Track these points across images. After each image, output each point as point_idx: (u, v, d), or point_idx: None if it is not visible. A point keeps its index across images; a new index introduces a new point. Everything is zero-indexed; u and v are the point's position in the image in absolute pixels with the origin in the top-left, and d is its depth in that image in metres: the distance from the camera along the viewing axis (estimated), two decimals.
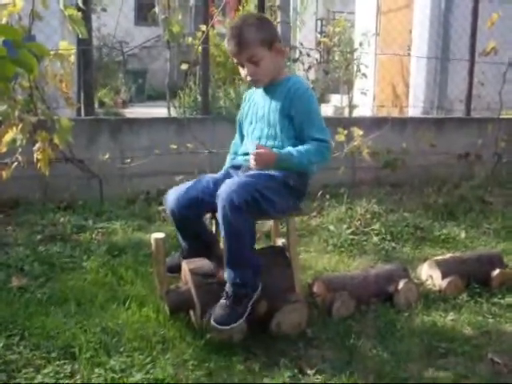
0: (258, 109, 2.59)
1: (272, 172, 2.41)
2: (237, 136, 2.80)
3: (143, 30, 16.09)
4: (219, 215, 2.27)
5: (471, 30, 6.00)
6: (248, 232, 2.31)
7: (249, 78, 2.50)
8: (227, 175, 2.56)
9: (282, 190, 2.42)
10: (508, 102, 5.51)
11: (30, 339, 2.33)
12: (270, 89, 2.56)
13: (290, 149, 2.41)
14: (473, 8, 5.98)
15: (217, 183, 2.43)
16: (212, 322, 2.26)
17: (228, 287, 2.32)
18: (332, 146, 2.58)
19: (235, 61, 2.53)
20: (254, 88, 2.68)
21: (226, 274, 2.33)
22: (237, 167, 2.60)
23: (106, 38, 14.77)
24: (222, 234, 2.30)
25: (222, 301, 2.30)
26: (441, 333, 2.53)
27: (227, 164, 2.78)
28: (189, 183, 2.53)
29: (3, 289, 2.83)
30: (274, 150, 2.41)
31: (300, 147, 2.41)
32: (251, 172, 2.41)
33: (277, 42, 2.52)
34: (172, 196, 2.49)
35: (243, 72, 2.51)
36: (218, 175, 2.58)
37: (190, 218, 2.47)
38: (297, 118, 2.47)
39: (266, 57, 2.46)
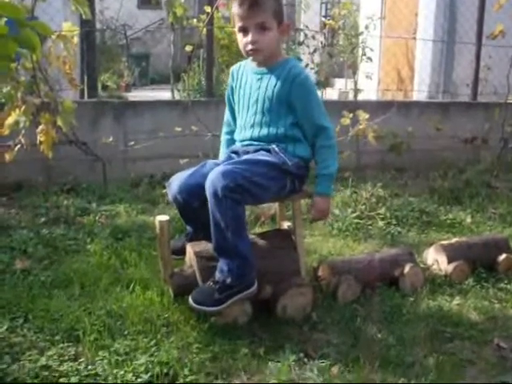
0: (251, 91, 2.50)
1: (266, 158, 2.38)
2: (228, 114, 2.71)
3: (147, 12, 16.04)
4: (208, 202, 2.25)
5: (478, 13, 5.93)
6: (233, 221, 2.25)
7: (250, 47, 2.38)
8: (228, 160, 2.50)
9: (274, 174, 2.37)
10: None
11: (34, 322, 2.33)
12: (265, 70, 2.47)
13: (324, 172, 2.47)
14: None
15: None
16: (189, 298, 2.28)
17: (216, 273, 2.31)
18: (333, 128, 2.54)
19: (240, 24, 2.37)
20: (243, 64, 2.58)
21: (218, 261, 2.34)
22: (235, 152, 2.56)
23: (109, 21, 14.71)
24: None
25: (208, 283, 2.30)
26: (446, 317, 2.52)
27: (223, 146, 2.74)
28: (191, 170, 2.48)
29: (7, 271, 2.82)
30: (320, 189, 2.50)
31: (322, 156, 2.47)
32: (243, 157, 2.40)
33: (285, 21, 2.46)
34: (174, 183, 2.46)
35: (244, 40, 2.38)
36: (219, 161, 2.54)
37: (193, 204, 2.44)
38: (298, 105, 2.43)
39: (273, 29, 2.38)
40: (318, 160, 2.50)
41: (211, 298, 2.26)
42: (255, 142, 2.48)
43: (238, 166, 2.29)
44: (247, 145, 2.51)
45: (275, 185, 2.40)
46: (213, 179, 2.23)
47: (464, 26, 7.15)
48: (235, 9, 2.38)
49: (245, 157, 2.43)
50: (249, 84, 2.52)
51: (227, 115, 2.72)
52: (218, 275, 2.29)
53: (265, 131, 2.46)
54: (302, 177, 2.52)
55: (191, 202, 2.43)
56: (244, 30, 2.38)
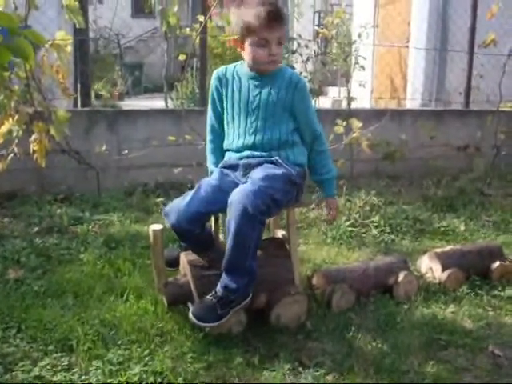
0: (248, 97, 2.47)
1: (278, 170, 2.37)
2: (212, 119, 2.64)
3: (140, 22, 16.04)
4: (230, 224, 2.21)
5: (471, 22, 5.96)
6: (256, 241, 2.27)
7: (271, 58, 2.39)
8: (223, 177, 2.46)
9: (287, 188, 2.39)
10: (507, 95, 5.48)
11: (27, 332, 2.31)
12: (264, 77, 2.46)
13: (328, 177, 2.61)
14: (472, 2, 5.94)
15: (215, 189, 2.38)
16: (190, 314, 2.24)
17: (219, 289, 2.27)
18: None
19: (262, 37, 2.35)
20: (230, 68, 2.55)
21: (222, 277, 2.29)
22: (232, 166, 2.50)
23: (102, 30, 14.71)
24: (228, 239, 2.24)
25: (208, 297, 2.27)
26: (441, 325, 2.52)
27: (210, 155, 2.68)
28: (187, 197, 2.38)
29: (0, 281, 2.80)
30: (329, 192, 2.67)
31: (322, 161, 2.58)
32: (258, 173, 2.33)
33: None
34: (173, 214, 2.38)
35: (263, 52, 2.38)
36: (214, 180, 2.44)
37: (194, 231, 2.40)
38: (300, 111, 2.48)
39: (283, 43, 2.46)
40: (317, 165, 2.59)
41: (213, 314, 2.23)
42: (256, 153, 2.46)
43: (262, 183, 2.25)
44: (247, 157, 2.47)
45: (287, 198, 2.41)
46: (241, 198, 2.20)
47: (456, 34, 7.19)
48: (254, 22, 2.35)
49: (259, 172, 2.35)
50: (245, 89, 2.49)
51: (211, 120, 2.65)
52: (221, 291, 2.26)
53: (267, 137, 2.45)
54: (302, 186, 2.54)
55: (192, 229, 2.38)
56: (265, 43, 2.38)
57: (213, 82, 2.58)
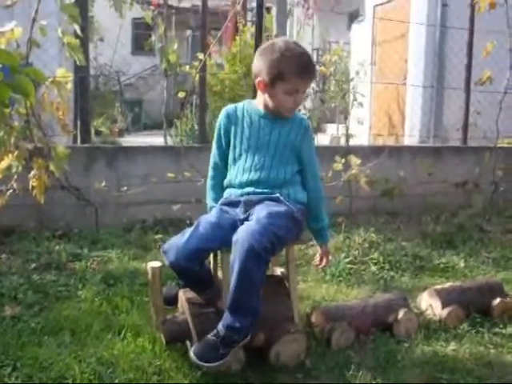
0: (259, 134, 2.49)
1: (281, 208, 2.38)
2: (216, 157, 2.64)
3: (140, 59, 16.24)
4: (235, 262, 2.19)
5: (467, 60, 6.03)
6: (261, 280, 2.25)
7: (294, 106, 2.49)
8: (222, 214, 2.45)
9: (290, 225, 2.39)
10: (504, 131, 5.52)
11: (23, 370, 2.28)
12: (276, 117, 2.50)
13: (321, 226, 2.64)
14: (468, 40, 6.02)
15: (214, 226, 2.37)
16: (191, 353, 2.20)
17: (221, 328, 2.23)
18: None
19: (296, 88, 2.42)
20: (240, 107, 2.58)
21: (224, 316, 2.26)
22: (232, 203, 2.49)
23: (102, 67, 14.88)
24: (232, 278, 2.21)
25: (210, 337, 2.23)
26: (442, 363, 2.49)
27: (210, 191, 2.68)
28: (186, 234, 2.37)
29: None
30: (322, 240, 2.69)
31: (318, 207, 2.60)
32: (261, 211, 2.33)
33: None
34: (172, 251, 2.35)
35: (290, 99, 2.44)
36: (213, 217, 2.43)
37: (193, 269, 2.37)
38: (305, 155, 2.55)
39: None
40: (315, 211, 2.60)
41: (215, 354, 2.19)
42: (258, 190, 2.46)
43: (266, 221, 2.25)
44: (248, 193, 2.47)
45: (291, 236, 2.41)
46: (247, 237, 2.18)
47: (453, 72, 7.28)
48: (292, 71, 2.39)
49: (262, 209, 2.34)
50: (255, 126, 2.51)
51: (215, 157, 2.65)
52: (224, 331, 2.22)
53: (273, 174, 2.47)
54: (303, 224, 2.54)
55: (191, 267, 2.36)
56: (293, 93, 2.43)
57: (221, 119, 2.59)
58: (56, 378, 2.23)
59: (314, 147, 2.62)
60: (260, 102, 2.53)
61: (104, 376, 2.25)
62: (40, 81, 1.86)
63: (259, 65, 2.47)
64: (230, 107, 2.61)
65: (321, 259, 2.71)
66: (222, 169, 2.63)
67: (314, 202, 2.58)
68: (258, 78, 2.46)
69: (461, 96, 6.17)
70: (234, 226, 2.35)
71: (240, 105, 2.60)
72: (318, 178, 2.62)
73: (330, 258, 2.79)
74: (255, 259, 2.18)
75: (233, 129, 2.56)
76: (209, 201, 2.69)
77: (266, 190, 2.46)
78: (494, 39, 5.17)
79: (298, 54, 2.41)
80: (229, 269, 2.27)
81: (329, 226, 2.67)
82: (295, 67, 2.39)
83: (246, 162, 2.51)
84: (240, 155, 2.53)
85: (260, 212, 2.32)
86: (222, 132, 2.59)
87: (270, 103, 2.47)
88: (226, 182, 2.59)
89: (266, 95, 2.47)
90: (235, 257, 2.20)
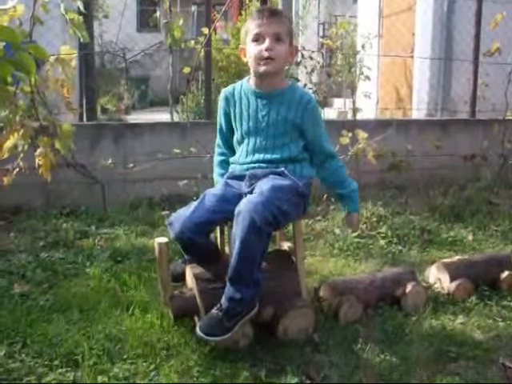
0: (257, 116, 2.46)
1: (286, 182, 2.37)
2: (220, 137, 2.66)
3: (145, 36, 16.17)
4: (236, 234, 2.19)
5: (475, 31, 5.95)
6: (262, 253, 2.25)
7: (265, 54, 2.36)
8: (227, 187, 2.46)
9: (295, 199, 2.38)
10: None
11: (32, 347, 2.30)
12: (273, 95, 2.46)
13: (349, 191, 2.61)
14: (476, 9, 5.94)
15: (219, 199, 2.38)
16: (197, 329, 2.20)
17: (224, 301, 2.24)
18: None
19: (256, 31, 2.37)
20: (237, 87, 2.55)
21: (226, 288, 2.26)
22: (238, 177, 2.50)
23: (108, 44, 14.82)
24: (233, 249, 2.21)
25: (214, 311, 2.23)
26: (450, 337, 2.49)
27: (217, 167, 2.69)
28: (191, 206, 2.39)
29: (5, 296, 2.79)
30: (356, 207, 2.65)
31: (339, 176, 2.59)
32: (265, 184, 2.32)
33: (294, 44, 2.52)
34: (176, 223, 2.37)
35: (258, 47, 2.38)
36: (219, 190, 2.45)
37: (198, 241, 2.39)
38: (309, 131, 2.48)
39: (285, 44, 2.41)
40: (336, 182, 2.59)
41: (221, 327, 2.19)
42: (263, 165, 2.45)
43: (270, 195, 2.24)
44: (254, 167, 2.46)
45: (295, 210, 2.39)
46: (249, 209, 2.17)
47: (461, 43, 7.19)
48: (251, 20, 2.42)
49: (266, 183, 2.34)
50: (253, 108, 2.48)
51: (219, 138, 2.67)
52: (226, 303, 2.22)
53: (277, 156, 2.44)
54: (309, 198, 2.53)
55: (196, 239, 2.37)
56: (259, 39, 2.38)
57: (220, 103, 2.59)
58: (65, 354, 2.24)
59: (321, 122, 2.55)
60: (251, 80, 2.51)
61: (113, 352, 2.26)
62: (42, 57, 1.85)
63: (241, 39, 2.52)
64: (227, 89, 2.59)
65: (355, 228, 2.81)
66: (226, 147, 2.65)
67: (331, 174, 2.57)
68: (240, 48, 2.51)
69: (469, 68, 6.10)
70: (239, 198, 2.35)
71: (238, 85, 2.57)
72: (330, 153, 2.54)
73: (356, 227, 2.82)
74: (256, 232, 2.17)
75: (232, 111, 2.55)
76: (215, 176, 2.71)
77: (271, 165, 2.44)
78: (503, 10, 5.10)
79: (259, 7, 2.48)
80: (231, 240, 2.27)
81: (353, 192, 2.62)
82: (253, 15, 2.46)
83: (248, 145, 2.50)
84: (242, 138, 2.52)
85: (263, 185, 2.31)
86: (222, 115, 2.60)
87: (251, 67, 2.45)
88: (232, 159, 2.60)
89: (247, 61, 2.47)
90: (236, 229, 2.20)
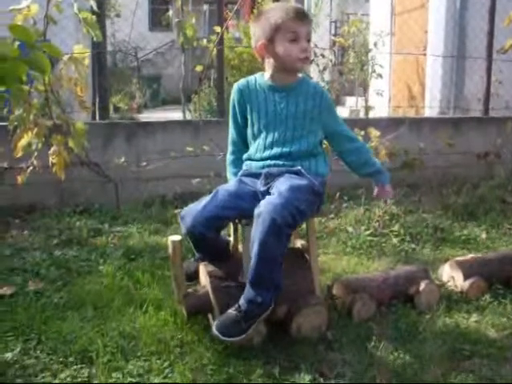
0: (275, 109, 2.46)
1: (303, 181, 2.36)
2: (233, 134, 2.64)
3: (157, 35, 16.21)
4: (256, 235, 2.18)
5: (489, 28, 5.91)
6: (282, 254, 2.24)
7: (304, 55, 2.41)
8: (242, 184, 2.45)
9: (312, 198, 2.38)
10: None
11: (47, 343, 2.31)
12: (289, 88, 2.47)
13: (376, 162, 2.67)
14: (490, 6, 5.90)
15: (232, 195, 2.37)
16: (213, 328, 2.20)
17: (243, 302, 2.23)
18: None
19: (294, 30, 2.37)
20: (251, 80, 2.54)
21: (246, 290, 2.25)
22: (253, 175, 2.49)
23: (120, 43, 14.87)
24: (253, 251, 2.19)
25: (232, 312, 2.22)
26: (464, 335, 2.48)
27: (230, 166, 2.68)
28: (203, 201, 2.38)
29: (20, 293, 2.82)
30: (386, 177, 2.69)
31: (364, 155, 2.62)
32: (283, 184, 2.31)
33: None
34: (188, 217, 2.37)
35: (294, 47, 2.38)
36: (232, 187, 2.44)
37: (209, 236, 2.38)
38: (327, 119, 2.51)
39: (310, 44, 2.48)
40: (363, 160, 2.63)
41: (237, 328, 2.19)
42: (280, 162, 2.45)
43: (288, 195, 2.23)
44: (269, 165, 2.46)
45: (311, 209, 2.39)
46: (270, 210, 2.16)
47: (474, 41, 7.15)
48: (286, 18, 2.38)
49: (284, 182, 2.33)
50: (270, 101, 2.48)
51: (233, 134, 2.65)
52: (245, 305, 2.22)
53: (295, 147, 2.45)
54: (323, 196, 2.52)
55: (207, 234, 2.37)
56: (295, 39, 2.39)
57: (234, 95, 2.57)
58: (79, 351, 2.25)
59: (335, 109, 2.61)
60: (268, 74, 2.51)
61: (126, 349, 2.27)
62: (56, 56, 1.86)
63: (255, 33, 2.49)
64: (241, 82, 2.58)
65: (390, 195, 2.80)
66: (240, 144, 2.63)
67: (357, 150, 2.60)
68: (258, 43, 2.45)
69: (482, 66, 6.06)
70: (255, 196, 2.36)
71: (251, 78, 2.57)
72: (350, 135, 2.60)
73: (389, 193, 2.78)
74: (277, 233, 2.17)
75: (247, 104, 2.53)
76: (229, 175, 2.69)
77: (287, 163, 2.44)
78: None
79: (284, 4, 2.46)
80: (250, 242, 2.26)
81: (380, 170, 2.67)
82: (286, 13, 2.39)
83: (266, 138, 2.49)
84: (260, 132, 2.50)
85: (281, 185, 2.30)
86: (237, 108, 2.57)
87: (277, 63, 2.43)
88: (245, 156, 2.59)
89: (271, 58, 2.45)
90: (257, 230, 2.18)
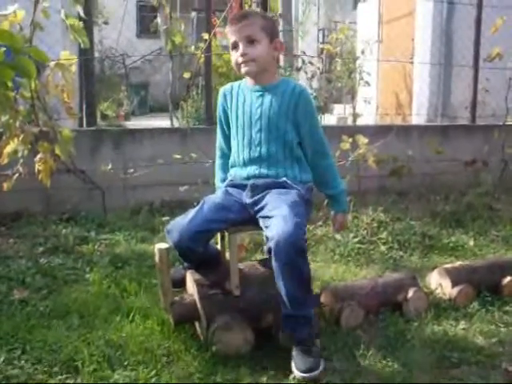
0: (251, 109, 2.46)
1: (295, 194, 2.35)
2: (220, 138, 2.66)
3: (145, 41, 16.18)
4: (280, 262, 2.14)
5: (475, 36, 5.95)
6: (309, 272, 2.24)
7: (240, 59, 2.40)
8: (227, 196, 2.45)
9: (307, 209, 2.40)
10: None
11: (32, 353, 2.28)
12: (266, 89, 2.46)
13: (335, 192, 2.56)
14: (476, 14, 5.94)
15: (219, 207, 2.37)
16: (300, 374, 2.13)
17: (297, 334, 2.21)
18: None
19: (231, 41, 2.42)
20: (236, 85, 2.56)
21: (291, 322, 2.23)
22: (238, 186, 2.47)
23: (108, 50, 14.83)
24: (283, 281, 2.17)
25: (297, 350, 2.19)
26: (452, 342, 2.47)
27: (218, 171, 2.69)
28: (190, 214, 2.37)
29: (4, 302, 2.78)
30: (337, 208, 2.60)
31: (330, 175, 2.54)
32: (276, 203, 2.28)
33: (278, 38, 2.51)
34: (175, 232, 2.36)
35: (235, 55, 2.43)
36: (218, 199, 2.43)
37: (197, 249, 2.38)
38: (304, 121, 2.45)
39: (264, 43, 2.40)
40: (325, 180, 2.55)
41: (315, 357, 2.17)
42: (263, 171, 2.43)
43: (292, 214, 2.19)
44: (254, 176, 2.44)
45: (306, 221, 2.37)
46: (286, 239, 2.12)
47: (461, 49, 7.18)
48: (227, 29, 2.45)
49: (278, 203, 2.28)
50: (248, 102, 2.48)
51: (219, 139, 2.67)
52: (300, 334, 2.21)
53: (273, 149, 2.42)
54: (312, 203, 2.52)
55: (195, 247, 2.37)
56: (235, 46, 2.42)
57: (219, 100, 2.59)
58: (65, 360, 2.22)
59: (314, 111, 2.52)
60: (247, 79, 2.54)
61: (113, 358, 2.25)
62: (42, 61, 1.84)
63: None
64: (226, 87, 2.60)
65: (338, 228, 2.64)
66: (227, 149, 2.63)
67: (322, 172, 2.53)
68: None
69: (469, 74, 6.10)
70: (240, 207, 2.37)
71: (236, 83, 2.59)
72: (323, 143, 2.51)
73: (342, 227, 2.66)
74: (300, 255, 2.15)
75: (229, 107, 2.55)
76: (217, 181, 2.70)
77: (271, 173, 2.42)
78: (502, 15, 5.10)
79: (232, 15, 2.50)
80: (235, 251, 2.25)
81: (341, 193, 2.58)
82: (228, 22, 2.46)
83: (243, 138, 2.49)
84: (237, 132, 2.52)
85: (278, 207, 2.26)
86: (221, 113, 2.59)
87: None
88: (230, 161, 2.58)
89: None
90: (280, 260, 2.14)
